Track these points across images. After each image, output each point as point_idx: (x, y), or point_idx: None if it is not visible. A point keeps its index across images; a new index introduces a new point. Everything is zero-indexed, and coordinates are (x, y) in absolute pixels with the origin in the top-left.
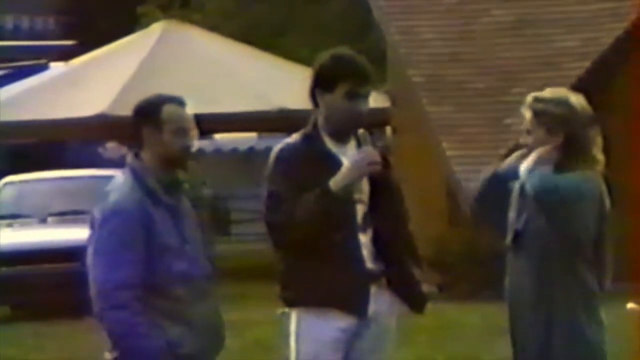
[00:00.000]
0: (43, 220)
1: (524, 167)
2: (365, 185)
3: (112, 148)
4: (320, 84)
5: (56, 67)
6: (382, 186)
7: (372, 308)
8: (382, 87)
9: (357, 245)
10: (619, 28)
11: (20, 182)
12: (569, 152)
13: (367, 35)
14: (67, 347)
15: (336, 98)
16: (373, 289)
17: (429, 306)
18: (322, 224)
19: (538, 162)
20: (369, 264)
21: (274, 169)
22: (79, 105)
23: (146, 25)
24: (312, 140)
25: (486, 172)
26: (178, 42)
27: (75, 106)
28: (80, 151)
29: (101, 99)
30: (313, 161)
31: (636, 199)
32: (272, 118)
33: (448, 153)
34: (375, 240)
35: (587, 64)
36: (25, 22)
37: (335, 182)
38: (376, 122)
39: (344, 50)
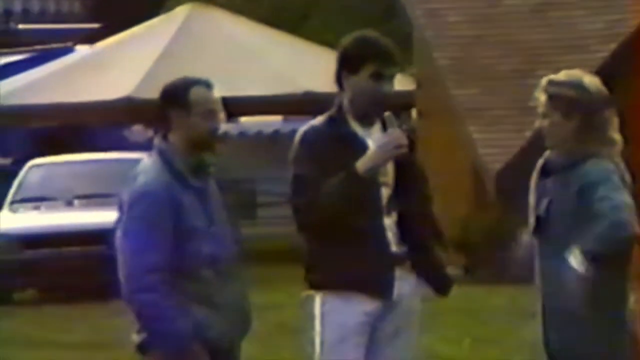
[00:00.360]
0: (69, 203)
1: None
2: (390, 168)
3: (137, 131)
4: (346, 66)
5: (82, 50)
6: (406, 169)
7: (396, 291)
8: (408, 70)
9: (382, 228)
10: None
11: (46, 164)
12: (586, 134)
13: (393, 18)
14: (94, 330)
15: (361, 80)
16: (398, 272)
17: (454, 289)
18: (348, 206)
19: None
20: (394, 247)
21: (299, 151)
22: (105, 88)
23: (171, 8)
24: (337, 122)
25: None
26: (203, 25)
27: (101, 89)
28: (106, 134)
29: (127, 82)
30: (338, 143)
31: None
32: (297, 101)
33: (474, 136)
34: (400, 223)
35: (612, 46)
36: (51, 5)
37: (362, 165)
38: (402, 105)
39: (369, 32)
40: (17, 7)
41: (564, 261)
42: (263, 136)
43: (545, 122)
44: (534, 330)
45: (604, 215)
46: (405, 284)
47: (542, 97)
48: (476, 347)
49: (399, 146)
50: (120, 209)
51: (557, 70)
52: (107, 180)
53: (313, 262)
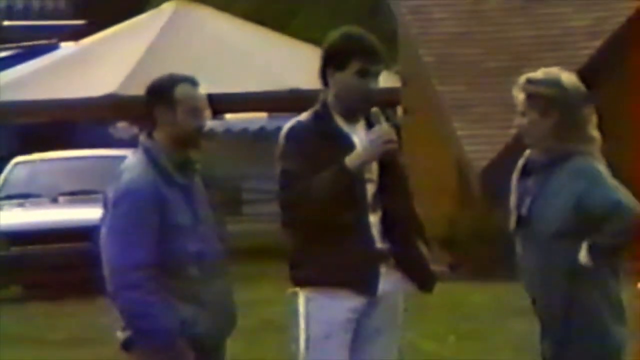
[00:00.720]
0: (54, 200)
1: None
2: (374, 165)
3: (122, 128)
4: (331, 63)
5: (66, 47)
6: (390, 166)
7: (381, 288)
8: (393, 67)
9: (367, 225)
10: (630, 7)
11: (31, 161)
12: (564, 132)
13: (377, 15)
14: (79, 327)
15: (347, 76)
16: (382, 269)
17: (439, 285)
18: (336, 202)
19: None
20: (379, 244)
21: (285, 147)
22: (90, 85)
23: (157, 4)
24: (322, 118)
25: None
26: (188, 22)
27: (86, 86)
28: (91, 131)
29: (112, 78)
30: (324, 139)
31: None
32: (283, 98)
33: (459, 133)
34: (383, 220)
35: (598, 43)
36: (36, 2)
37: (350, 161)
38: (387, 102)
39: (355, 28)
40: (1, 3)
41: (546, 260)
42: (249, 133)
43: (524, 121)
44: (518, 326)
45: (610, 212)
46: (390, 281)
47: (520, 96)
48: (461, 343)
49: (389, 141)
50: (105, 206)
51: (542, 67)
52: (92, 177)
53: (298, 259)
